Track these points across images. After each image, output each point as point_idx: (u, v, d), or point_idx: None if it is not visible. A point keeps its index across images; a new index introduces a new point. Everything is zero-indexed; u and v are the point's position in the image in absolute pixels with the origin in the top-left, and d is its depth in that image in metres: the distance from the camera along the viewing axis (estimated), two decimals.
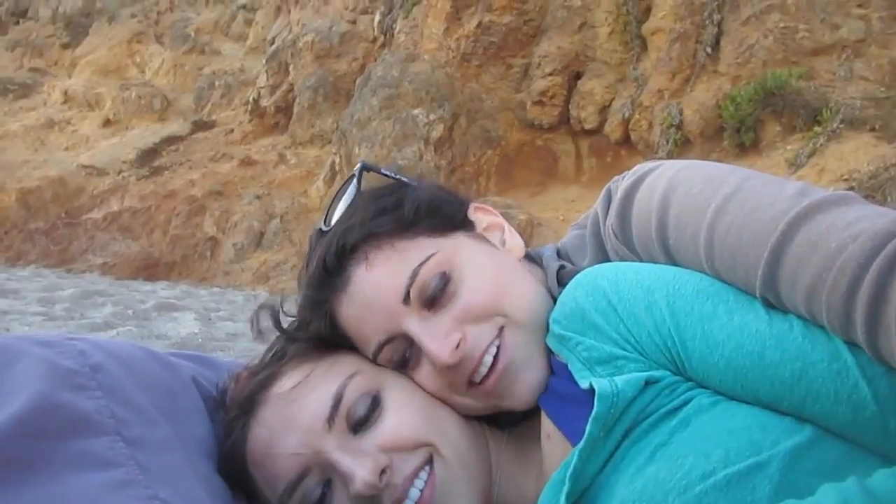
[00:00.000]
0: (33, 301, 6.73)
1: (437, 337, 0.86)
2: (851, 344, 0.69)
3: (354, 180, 0.96)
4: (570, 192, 10.48)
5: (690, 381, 0.78)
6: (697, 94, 9.71)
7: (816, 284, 0.67)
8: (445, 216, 0.94)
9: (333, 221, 0.93)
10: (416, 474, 0.85)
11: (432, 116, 10.95)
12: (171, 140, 16.87)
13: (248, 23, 20.98)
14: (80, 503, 0.72)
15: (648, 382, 0.78)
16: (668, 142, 9.79)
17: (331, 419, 0.85)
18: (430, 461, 0.86)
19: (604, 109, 10.91)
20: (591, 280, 0.84)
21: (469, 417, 0.94)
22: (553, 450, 0.86)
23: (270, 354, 0.98)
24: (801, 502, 0.65)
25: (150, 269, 11.49)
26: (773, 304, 0.74)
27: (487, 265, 0.91)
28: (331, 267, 0.89)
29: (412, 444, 0.86)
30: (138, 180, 14.64)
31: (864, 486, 0.63)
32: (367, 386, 0.88)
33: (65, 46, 25.41)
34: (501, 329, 0.88)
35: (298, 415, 0.86)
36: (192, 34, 22.17)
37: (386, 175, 0.98)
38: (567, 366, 0.84)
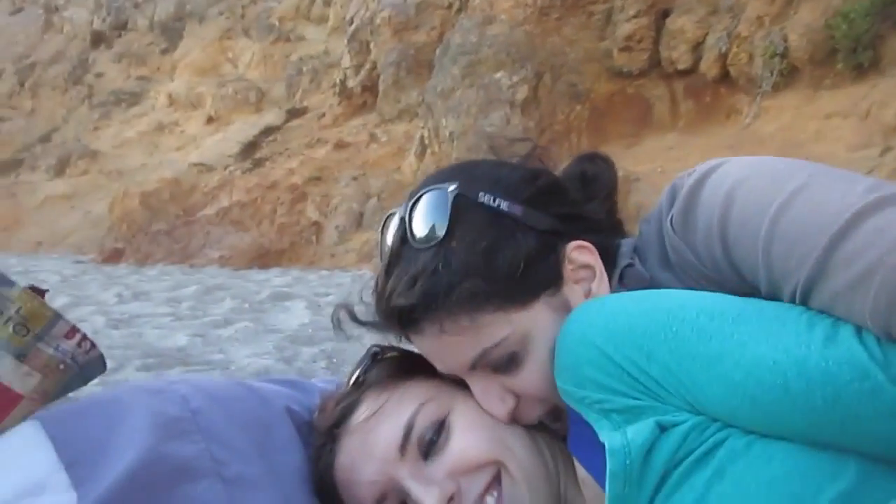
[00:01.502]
0: (162, 302, 7.32)
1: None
2: (876, 346, 0.66)
3: (448, 208, 0.88)
4: (668, 140, 10.01)
5: (718, 422, 0.74)
6: (802, 16, 8.94)
7: (875, 266, 0.65)
8: (537, 277, 0.88)
9: (419, 243, 0.87)
10: (483, 497, 0.87)
11: (515, 78, 10.74)
12: (268, 131, 17.60)
13: (328, 3, 21.32)
14: None
15: (665, 427, 0.74)
16: (772, 73, 9.12)
17: (403, 448, 0.89)
18: (497, 479, 0.89)
19: (697, 47, 10.27)
20: (579, 332, 0.80)
21: (536, 434, 0.95)
22: (589, 495, 0.86)
23: (353, 381, 1.03)
24: None
25: (263, 258, 12.13)
26: (806, 299, 0.71)
27: (552, 354, 0.86)
28: (404, 322, 0.88)
29: (478, 464, 0.88)
30: (243, 173, 15.40)
31: None
32: (437, 413, 0.91)
33: (164, 52, 26.95)
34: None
35: (374, 444, 0.91)
36: (277, 23, 22.84)
37: (481, 203, 0.89)
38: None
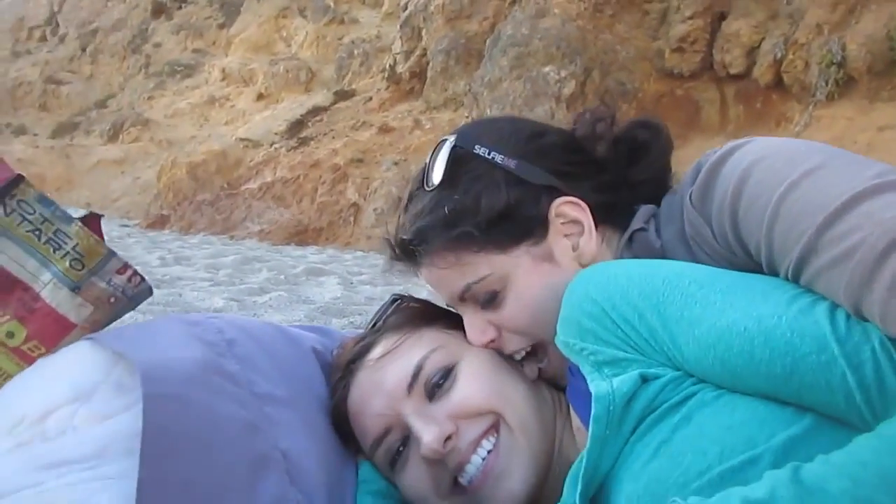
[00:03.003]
0: (202, 268, 7.52)
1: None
2: (843, 322, 0.70)
3: (446, 159, 0.98)
4: (715, 143, 9.68)
5: (694, 377, 0.80)
6: (864, 25, 8.66)
7: (857, 246, 0.68)
8: (519, 222, 0.97)
9: (427, 186, 0.99)
10: (479, 441, 0.94)
11: (563, 73, 10.64)
12: (315, 111, 17.78)
13: None
14: (226, 433, 0.89)
15: (647, 378, 0.80)
16: (826, 83, 8.87)
17: (410, 386, 0.97)
18: (496, 427, 0.95)
19: (752, 52, 10.03)
20: (582, 289, 0.86)
21: (539, 387, 1.02)
22: (583, 441, 0.90)
23: (372, 325, 1.10)
24: (743, 487, 0.66)
25: (301, 235, 12.32)
26: (797, 276, 0.75)
27: (534, 294, 0.96)
28: (402, 256, 1.02)
29: (478, 411, 0.95)
30: (288, 151, 15.61)
31: (796, 474, 0.64)
32: (446, 360, 0.99)
33: (221, 26, 27.38)
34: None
35: (385, 380, 0.99)
36: (332, 4, 23.00)
37: (478, 155, 0.99)
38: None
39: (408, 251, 1.00)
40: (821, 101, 9.06)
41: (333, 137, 15.24)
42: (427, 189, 0.98)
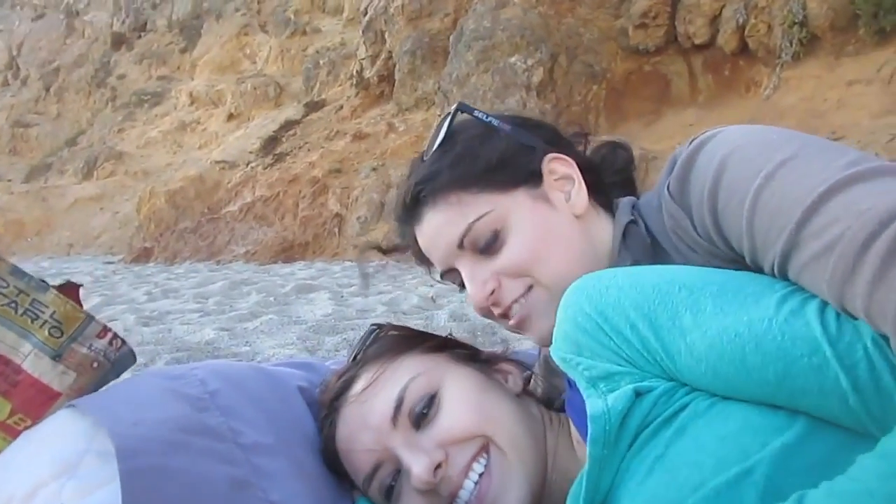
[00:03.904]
0: (190, 298, 7.47)
1: (477, 280, 1.02)
2: (833, 322, 0.69)
3: (448, 121, 1.05)
4: (687, 116, 9.87)
5: (687, 387, 0.79)
6: None
7: (837, 239, 0.67)
8: (515, 169, 1.02)
9: (428, 155, 1.04)
10: (470, 465, 0.93)
11: (530, 62, 10.66)
12: (288, 125, 17.71)
13: None
14: (211, 495, 0.88)
15: (640, 393, 0.79)
16: (791, 43, 8.92)
17: (395, 418, 0.95)
18: (486, 451, 0.94)
19: (714, 20, 10.07)
20: (576, 302, 0.86)
21: (526, 403, 1.02)
22: (583, 454, 0.89)
23: (353, 357, 1.10)
24: None
25: (287, 252, 12.27)
26: (783, 272, 0.75)
27: (535, 228, 1.00)
28: (409, 205, 1.04)
29: (466, 435, 0.94)
30: (265, 169, 15.54)
31: None
32: (427, 386, 0.97)
33: (183, 51, 27.22)
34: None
35: (369, 415, 0.97)
36: (293, 17, 22.92)
37: (477, 118, 1.06)
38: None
39: (411, 204, 1.03)
40: (787, 63, 9.11)
41: (309, 150, 15.20)
42: (433, 147, 1.04)
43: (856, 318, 0.68)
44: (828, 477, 0.66)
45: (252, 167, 16.28)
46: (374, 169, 12.76)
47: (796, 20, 8.85)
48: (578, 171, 1.03)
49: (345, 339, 4.33)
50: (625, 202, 1.01)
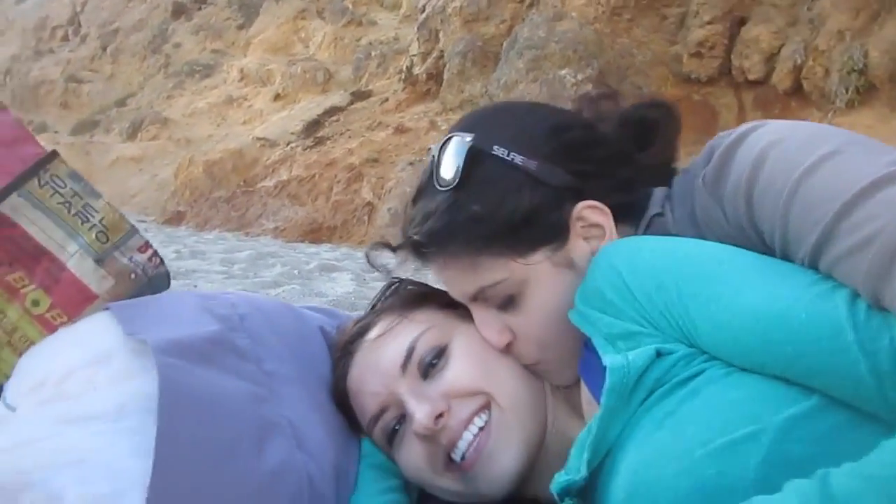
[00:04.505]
0: (216, 262, 7.59)
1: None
2: (863, 311, 0.69)
3: (462, 161, 0.92)
4: None
5: (706, 354, 0.80)
6: (887, 32, 8.53)
7: (876, 235, 0.67)
8: (539, 228, 0.93)
9: (439, 184, 0.95)
10: (470, 419, 0.96)
11: (580, 76, 10.61)
12: (332, 111, 17.86)
13: None
14: (234, 400, 0.93)
15: (661, 353, 0.81)
16: (847, 90, 8.75)
17: (404, 366, 1.00)
18: (488, 408, 0.97)
19: (771, 57, 9.91)
20: (608, 259, 0.87)
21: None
22: (590, 411, 0.92)
23: (371, 307, 1.14)
24: (768, 498, 0.66)
25: (315, 233, 12.38)
26: (814, 264, 0.75)
27: (551, 308, 0.94)
28: (416, 253, 1.00)
29: (470, 391, 0.97)
30: (304, 150, 15.69)
31: (825, 487, 0.63)
32: (438, 339, 1.01)
33: (239, 28, 27.59)
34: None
35: (380, 360, 1.02)
36: (350, 6, 23.11)
37: (498, 157, 0.93)
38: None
39: (418, 251, 0.98)
40: (840, 109, 8.96)
41: (349, 137, 15.31)
42: (440, 187, 0.94)
43: (889, 312, 0.68)
44: (832, 449, 0.68)
45: (292, 147, 16.44)
46: (411, 163, 12.81)
47: (856, 67, 8.69)
48: (611, 218, 0.95)
49: None
50: (658, 195, 0.99)
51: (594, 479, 0.84)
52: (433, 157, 0.97)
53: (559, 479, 0.85)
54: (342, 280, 6.47)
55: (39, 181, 1.08)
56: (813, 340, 0.70)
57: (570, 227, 0.95)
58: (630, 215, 0.98)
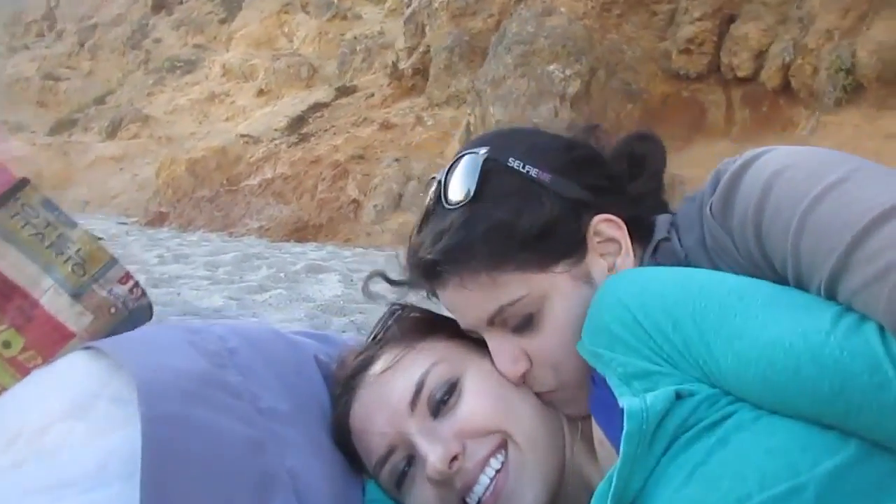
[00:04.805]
0: (200, 266, 7.50)
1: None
2: (893, 351, 0.67)
3: (478, 171, 0.91)
4: (719, 147, 9.78)
5: (730, 395, 0.76)
6: (875, 33, 8.62)
7: (892, 265, 0.66)
8: (557, 241, 0.91)
9: (449, 202, 0.91)
10: (487, 460, 0.90)
11: (568, 72, 10.61)
12: (316, 107, 17.76)
13: None
14: (230, 451, 0.85)
15: (681, 395, 0.76)
16: (835, 88, 8.84)
17: (413, 403, 0.93)
18: (504, 447, 0.91)
19: (760, 55, 10.00)
20: (614, 295, 0.82)
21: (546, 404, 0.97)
22: (605, 455, 0.87)
23: (372, 337, 1.06)
24: None
25: (300, 232, 12.30)
26: (831, 295, 0.73)
27: (572, 322, 0.90)
28: (428, 276, 0.93)
29: (485, 430, 0.91)
30: (288, 147, 15.60)
31: None
32: (449, 373, 0.94)
33: (222, 22, 27.37)
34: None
35: (387, 397, 0.95)
36: (335, 1, 22.99)
37: (511, 168, 0.92)
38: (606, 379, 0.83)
39: (431, 273, 0.92)
40: (828, 108, 9.04)
41: (334, 134, 15.24)
42: (451, 206, 0.91)
43: None
44: (880, 502, 0.65)
45: (276, 144, 16.33)
46: (396, 160, 12.76)
47: (844, 66, 8.77)
48: (626, 233, 0.94)
49: (352, 321, 4.32)
50: (662, 221, 0.97)
51: None
52: (439, 181, 0.95)
53: None
54: (330, 282, 6.41)
55: (10, 212, 0.99)
56: (851, 377, 0.67)
57: (588, 242, 0.93)
58: (641, 234, 0.97)
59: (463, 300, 0.92)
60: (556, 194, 0.91)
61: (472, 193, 0.90)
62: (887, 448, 0.68)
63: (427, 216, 0.95)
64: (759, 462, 0.70)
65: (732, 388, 0.75)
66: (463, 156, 0.94)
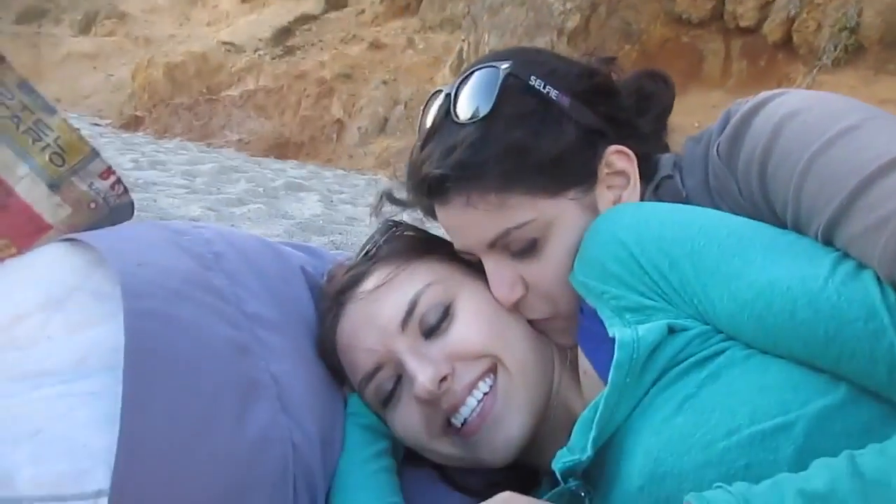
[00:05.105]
0: (178, 174, 7.33)
1: None
2: (893, 299, 0.67)
3: (497, 86, 0.88)
4: (713, 97, 9.68)
5: (722, 333, 0.76)
6: None
7: (892, 215, 0.66)
8: (571, 170, 0.89)
9: (462, 117, 0.88)
10: (475, 383, 0.90)
11: (569, 5, 10.32)
12: (304, 19, 17.08)
13: None
14: (214, 352, 0.84)
15: (674, 329, 0.76)
16: (835, 47, 8.73)
17: (404, 322, 0.92)
18: (493, 371, 0.91)
19: (765, 6, 9.78)
20: (610, 230, 0.82)
21: (538, 332, 0.97)
22: (589, 384, 0.88)
23: (364, 253, 1.03)
24: (796, 476, 0.64)
25: (281, 148, 12.05)
26: (828, 240, 0.73)
27: (574, 249, 0.89)
28: (434, 187, 0.90)
29: (476, 353, 0.91)
30: (272, 59, 15.09)
31: (854, 465, 0.62)
32: (442, 296, 0.93)
33: None
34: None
35: (377, 314, 0.94)
36: None
37: (532, 87, 0.89)
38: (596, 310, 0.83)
39: (436, 189, 0.89)
40: (826, 66, 8.94)
41: (321, 49, 14.74)
42: (464, 121, 0.88)
43: None
44: (865, 445, 0.65)
45: (259, 55, 15.77)
46: (384, 82, 12.43)
47: (848, 25, 8.64)
48: (636, 167, 0.93)
49: (332, 241, 4.29)
50: (666, 159, 0.97)
51: (599, 458, 0.80)
52: (448, 94, 0.91)
53: (563, 459, 0.81)
54: (309, 201, 6.32)
55: None
56: (847, 323, 0.68)
57: (598, 171, 0.92)
58: (647, 169, 0.96)
59: (467, 220, 0.90)
60: (574, 120, 0.89)
61: (490, 108, 0.87)
62: (875, 394, 0.69)
63: (434, 130, 0.91)
64: (750, 397, 0.71)
65: (726, 328, 0.76)
66: (479, 69, 0.91)
